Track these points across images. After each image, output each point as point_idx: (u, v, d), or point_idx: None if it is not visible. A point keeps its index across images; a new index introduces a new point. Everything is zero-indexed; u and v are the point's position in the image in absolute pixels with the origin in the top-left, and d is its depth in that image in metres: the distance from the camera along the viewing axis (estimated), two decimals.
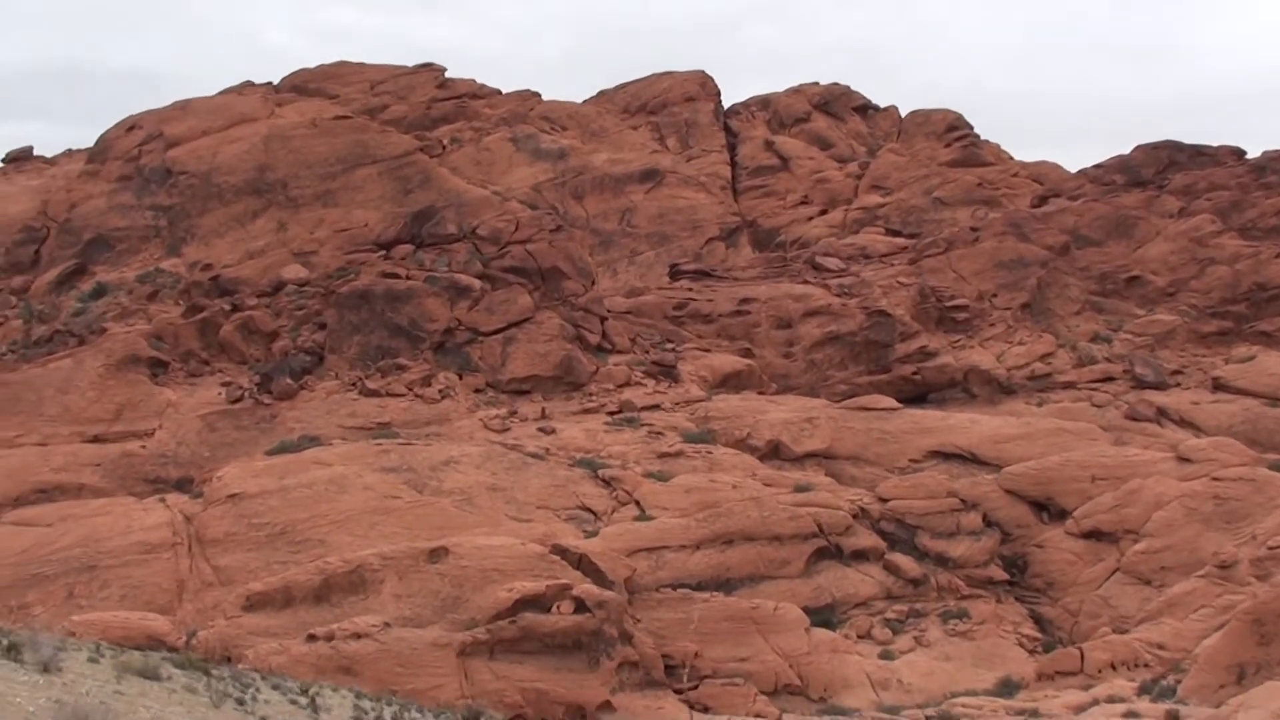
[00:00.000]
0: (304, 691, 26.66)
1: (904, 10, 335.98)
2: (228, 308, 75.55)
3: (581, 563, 51.05)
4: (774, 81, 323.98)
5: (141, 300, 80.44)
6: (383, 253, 78.28)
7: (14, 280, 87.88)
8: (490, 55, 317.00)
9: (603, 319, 76.64)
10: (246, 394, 69.56)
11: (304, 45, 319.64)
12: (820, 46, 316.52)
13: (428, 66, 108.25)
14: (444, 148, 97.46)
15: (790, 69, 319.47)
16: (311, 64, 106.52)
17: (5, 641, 23.16)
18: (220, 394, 70.27)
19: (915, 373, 79.21)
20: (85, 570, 54.97)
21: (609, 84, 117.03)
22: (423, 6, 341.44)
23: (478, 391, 70.71)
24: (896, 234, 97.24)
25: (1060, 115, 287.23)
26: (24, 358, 75.34)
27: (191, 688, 23.87)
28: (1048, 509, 62.88)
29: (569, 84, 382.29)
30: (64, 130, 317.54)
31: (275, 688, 26.66)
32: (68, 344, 75.32)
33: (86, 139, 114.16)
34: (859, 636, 54.98)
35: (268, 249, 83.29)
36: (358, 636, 46.13)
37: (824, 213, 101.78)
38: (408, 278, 74.38)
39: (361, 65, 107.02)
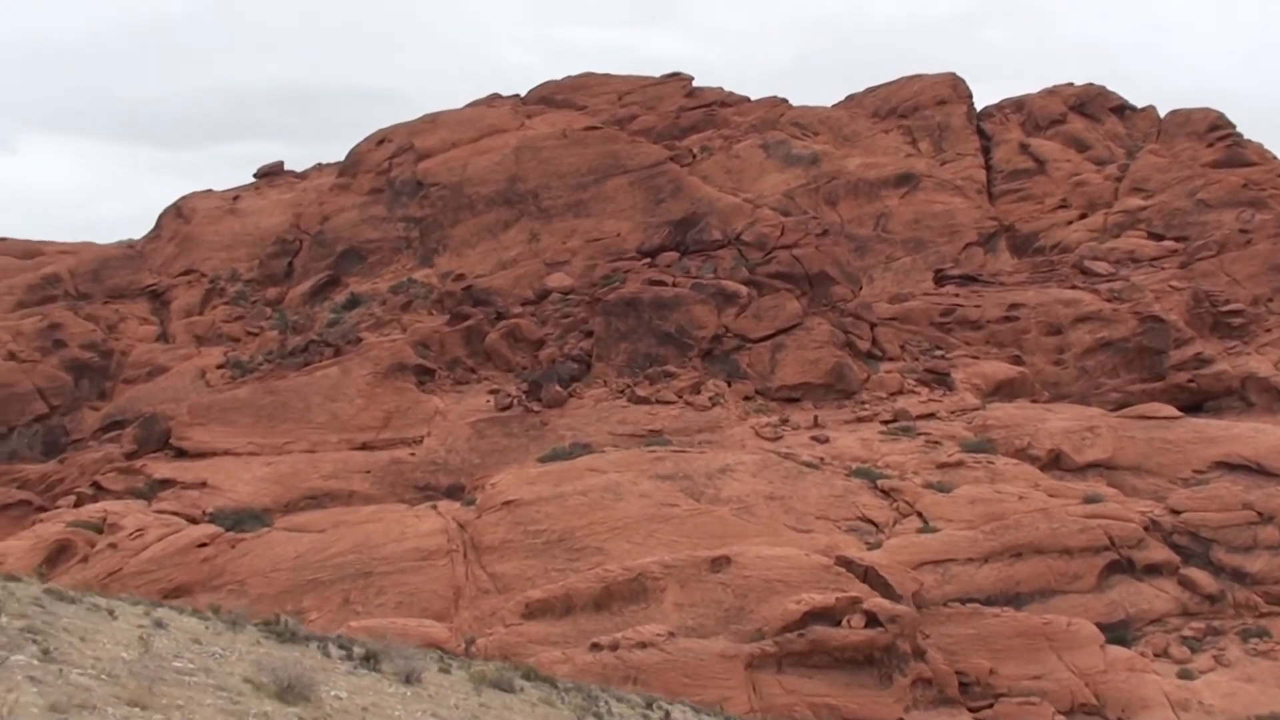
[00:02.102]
0: (649, 705, 25.76)
1: (1130, 8, 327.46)
2: (493, 316, 75.68)
3: (868, 575, 49.53)
4: (1006, 83, 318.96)
5: (395, 310, 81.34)
6: (647, 260, 77.91)
7: (268, 291, 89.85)
8: (720, 65, 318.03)
9: (873, 325, 75.10)
10: (515, 401, 69.54)
11: (538, 62, 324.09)
12: (1052, 46, 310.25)
13: (675, 76, 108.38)
14: (694, 156, 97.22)
15: (1022, 70, 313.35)
16: (546, 80, 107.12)
17: (362, 650, 22.61)
18: (488, 401, 70.33)
19: (1191, 380, 75.97)
20: (360, 576, 54.99)
21: (839, 91, 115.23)
22: (653, 20, 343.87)
23: (747, 399, 69.69)
24: (1159, 237, 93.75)
25: None
26: (281, 367, 76.46)
27: (548, 700, 23.14)
28: None
29: (799, 90, 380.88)
30: (302, 149, 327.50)
31: (620, 700, 25.79)
32: (323, 354, 76.27)
33: (325, 157, 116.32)
34: (1155, 654, 52.50)
35: (519, 259, 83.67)
36: (643, 646, 45.39)
37: (1083, 216, 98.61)
38: (674, 285, 73.89)
39: (608, 76, 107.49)
